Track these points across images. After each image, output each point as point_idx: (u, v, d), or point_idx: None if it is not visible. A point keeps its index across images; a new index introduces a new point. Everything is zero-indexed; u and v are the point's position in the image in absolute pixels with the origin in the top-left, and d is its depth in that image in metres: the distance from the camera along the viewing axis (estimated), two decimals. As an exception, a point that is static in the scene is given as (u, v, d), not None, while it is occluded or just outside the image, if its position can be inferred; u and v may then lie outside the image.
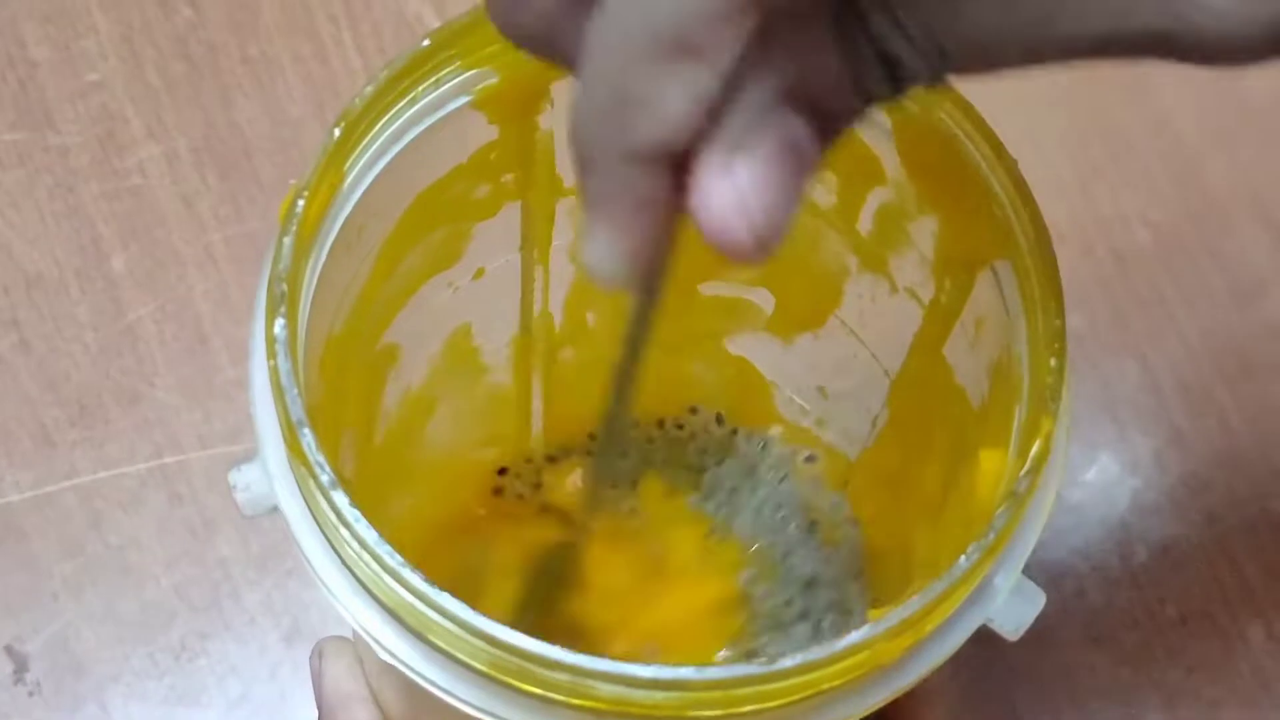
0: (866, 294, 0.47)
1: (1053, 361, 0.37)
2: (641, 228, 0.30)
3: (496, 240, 0.46)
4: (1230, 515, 0.62)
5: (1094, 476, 0.63)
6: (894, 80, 0.30)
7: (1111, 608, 0.61)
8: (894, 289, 0.46)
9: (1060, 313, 0.38)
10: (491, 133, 0.42)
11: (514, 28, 0.30)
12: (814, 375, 0.52)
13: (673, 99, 0.27)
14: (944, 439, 0.46)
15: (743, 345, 0.52)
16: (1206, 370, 0.64)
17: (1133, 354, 0.65)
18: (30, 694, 0.58)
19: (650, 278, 0.32)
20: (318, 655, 0.47)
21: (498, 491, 0.55)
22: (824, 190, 0.45)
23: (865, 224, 0.45)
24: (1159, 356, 0.65)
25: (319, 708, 0.47)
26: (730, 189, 0.28)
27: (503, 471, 0.56)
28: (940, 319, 0.45)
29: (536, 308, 0.50)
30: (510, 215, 0.46)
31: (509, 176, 0.44)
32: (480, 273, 0.47)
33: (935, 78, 0.30)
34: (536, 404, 0.54)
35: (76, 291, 0.63)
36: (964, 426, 0.44)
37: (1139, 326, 0.65)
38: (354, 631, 0.39)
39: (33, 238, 0.64)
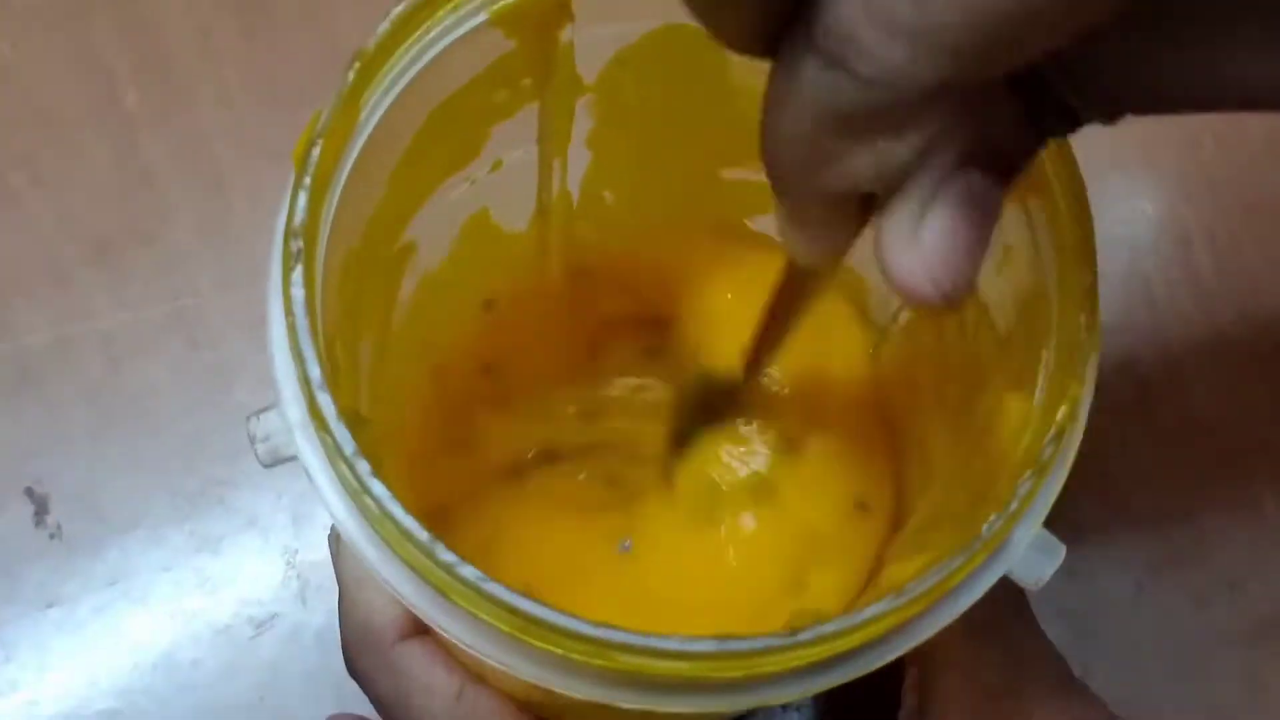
0: (891, 189, 0.47)
1: (1083, 319, 0.37)
2: (828, 238, 0.32)
3: (514, 134, 0.46)
4: (1253, 379, 0.62)
5: (1115, 345, 0.63)
6: (1072, 123, 0.30)
7: (1128, 470, 0.61)
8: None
9: (1093, 269, 0.37)
10: (509, 45, 0.42)
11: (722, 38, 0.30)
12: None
13: (860, 164, 0.28)
14: (964, 353, 0.45)
15: (766, 224, 0.52)
16: (1238, 223, 0.64)
17: (1163, 206, 0.64)
18: (51, 536, 0.59)
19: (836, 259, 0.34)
20: (336, 536, 0.47)
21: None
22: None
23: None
24: (1190, 208, 0.64)
25: (339, 588, 0.47)
26: (918, 259, 0.29)
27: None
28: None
29: (555, 190, 0.49)
30: (528, 112, 0.45)
31: (526, 81, 0.44)
32: (498, 164, 0.47)
33: (1112, 119, 0.30)
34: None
35: (91, 128, 0.63)
36: (984, 346, 0.44)
37: (1171, 178, 0.64)
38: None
39: (45, 72, 0.63)
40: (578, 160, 0.49)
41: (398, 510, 0.34)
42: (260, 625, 0.58)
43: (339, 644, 0.47)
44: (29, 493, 0.59)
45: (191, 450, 0.60)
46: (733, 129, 0.46)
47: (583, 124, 0.47)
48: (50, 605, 0.58)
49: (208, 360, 0.61)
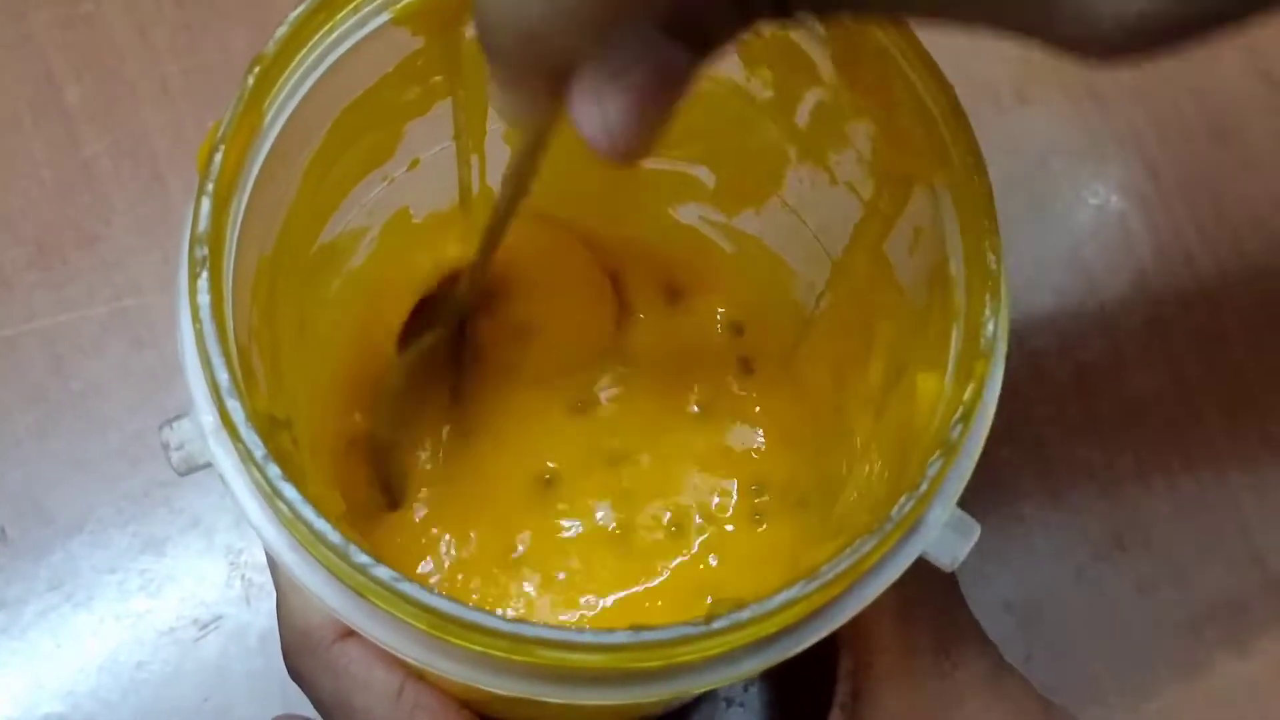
0: (806, 180, 0.47)
1: (989, 299, 0.37)
2: (538, 107, 0.34)
3: (429, 132, 0.46)
4: (1194, 363, 0.62)
5: (1055, 331, 0.62)
6: (779, 8, 0.33)
7: (1069, 455, 0.61)
8: (834, 181, 0.45)
9: (997, 251, 0.37)
10: (416, 42, 0.41)
11: None
12: (760, 246, 0.51)
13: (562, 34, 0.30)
14: (885, 335, 0.45)
15: (689, 214, 0.51)
16: (1179, 210, 0.63)
17: (1103, 194, 0.64)
18: (-5, 541, 0.59)
19: (543, 130, 0.36)
20: None
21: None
22: (759, 84, 0.44)
23: (803, 118, 0.44)
24: (1130, 196, 0.64)
25: (276, 591, 0.47)
26: (597, 116, 0.32)
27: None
28: (878, 219, 0.44)
29: (475, 188, 0.49)
30: (442, 109, 0.45)
31: (438, 78, 0.43)
32: (415, 163, 0.47)
33: (823, 12, 0.34)
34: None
35: (30, 125, 0.62)
36: (904, 328, 0.44)
37: (1112, 165, 0.64)
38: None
39: (-17, 69, 0.63)
40: (497, 155, 0.48)
41: (309, 513, 0.34)
42: (205, 627, 0.58)
43: (282, 646, 0.47)
44: (-28, 497, 0.59)
45: (135, 451, 0.60)
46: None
47: (498, 124, 0.47)
48: (-6, 609, 0.58)
49: (150, 360, 0.60)
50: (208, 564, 0.59)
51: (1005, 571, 0.59)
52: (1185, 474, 0.61)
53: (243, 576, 0.59)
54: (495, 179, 0.49)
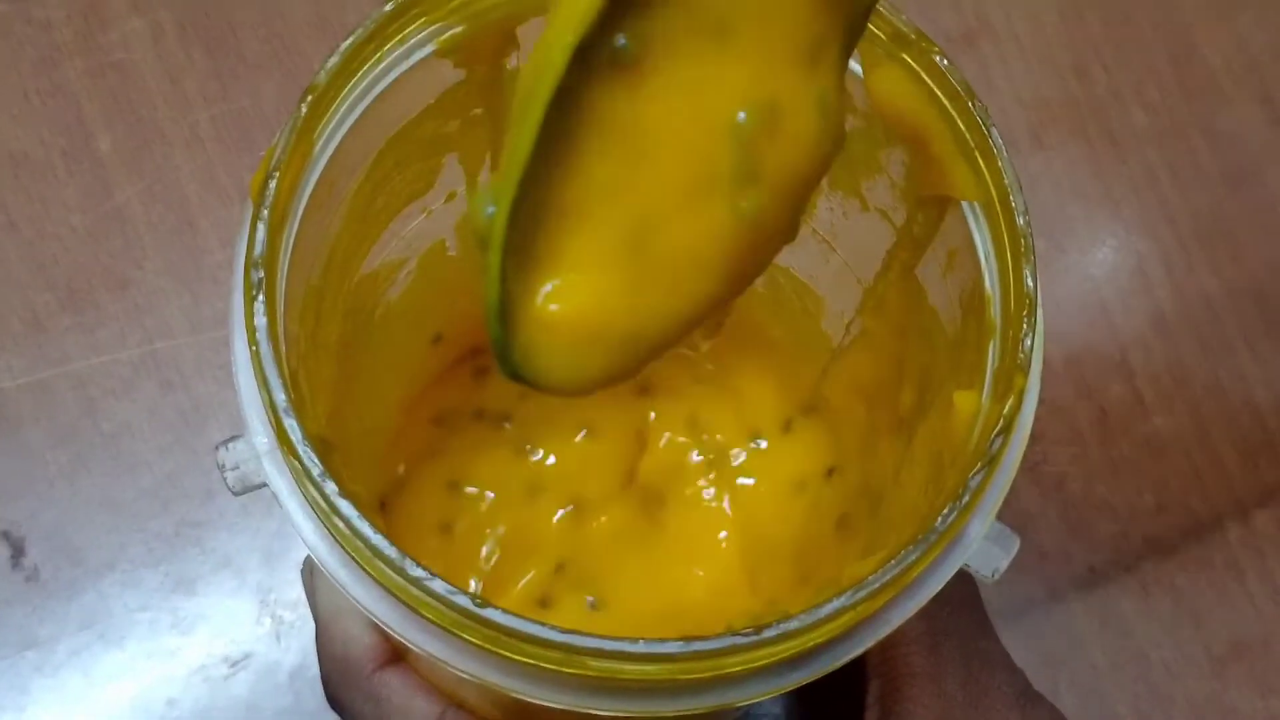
0: (838, 208, 0.47)
1: (1025, 315, 0.38)
2: None
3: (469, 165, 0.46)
4: (1212, 405, 0.63)
5: (1075, 374, 0.63)
6: None
7: (1090, 496, 0.61)
8: (865, 207, 0.46)
9: (1034, 271, 0.38)
10: (458, 75, 0.42)
11: None
12: (788, 275, 0.52)
13: None
14: (917, 359, 0.46)
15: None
16: (1195, 254, 0.64)
17: (1120, 237, 0.65)
18: (28, 579, 0.59)
19: None
20: (309, 570, 0.47)
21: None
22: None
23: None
24: (1147, 240, 0.65)
25: (315, 621, 0.48)
26: None
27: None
28: (911, 244, 0.45)
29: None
30: (481, 141, 0.46)
31: (478, 110, 0.44)
32: (453, 195, 0.47)
33: None
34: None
35: (63, 172, 0.63)
36: (937, 350, 0.44)
37: (1128, 209, 0.65)
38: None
39: (17, 115, 0.64)
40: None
41: (366, 528, 0.34)
42: (235, 664, 0.59)
43: (312, 682, 0.47)
44: (5, 535, 0.59)
45: (166, 492, 0.60)
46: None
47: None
48: (28, 648, 0.58)
49: (181, 402, 0.61)
50: (238, 603, 0.59)
51: (1029, 610, 0.60)
52: (1205, 514, 0.61)
53: (272, 615, 0.59)
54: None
